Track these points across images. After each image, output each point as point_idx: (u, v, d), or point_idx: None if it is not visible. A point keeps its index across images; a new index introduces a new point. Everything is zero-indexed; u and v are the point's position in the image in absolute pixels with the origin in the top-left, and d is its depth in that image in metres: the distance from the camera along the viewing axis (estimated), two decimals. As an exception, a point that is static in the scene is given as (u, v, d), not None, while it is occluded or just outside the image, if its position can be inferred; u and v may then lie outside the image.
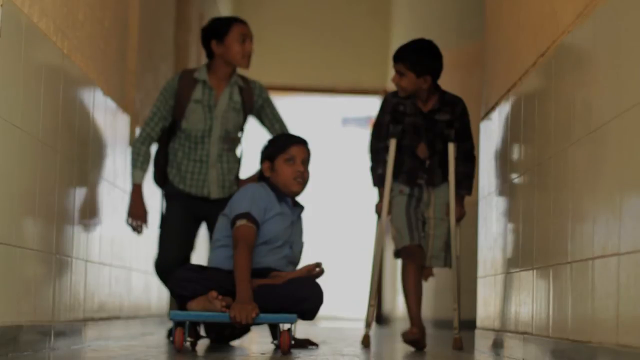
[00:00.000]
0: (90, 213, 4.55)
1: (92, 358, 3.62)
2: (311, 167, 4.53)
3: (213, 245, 4.46)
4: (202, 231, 5.21)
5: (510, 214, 4.27)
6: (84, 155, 4.39)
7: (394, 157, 4.77)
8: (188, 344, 4.11)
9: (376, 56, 10.90)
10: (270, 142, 4.57)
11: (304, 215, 4.60)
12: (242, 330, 4.69)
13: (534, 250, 3.76)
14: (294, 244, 4.48)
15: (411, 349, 4.72)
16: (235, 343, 4.86)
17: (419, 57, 4.66)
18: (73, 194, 4.23)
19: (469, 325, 5.30)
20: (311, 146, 4.56)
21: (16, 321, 3.42)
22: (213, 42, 4.96)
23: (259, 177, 4.57)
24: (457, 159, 4.78)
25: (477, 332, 4.94)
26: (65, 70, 4.00)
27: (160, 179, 5.06)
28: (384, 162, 4.79)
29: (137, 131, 5.09)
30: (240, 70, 5.10)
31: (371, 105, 10.91)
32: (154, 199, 5.48)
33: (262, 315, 4.02)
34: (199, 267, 4.32)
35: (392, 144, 4.76)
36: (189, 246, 5.03)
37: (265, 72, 8.93)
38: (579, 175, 3.17)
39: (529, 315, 3.78)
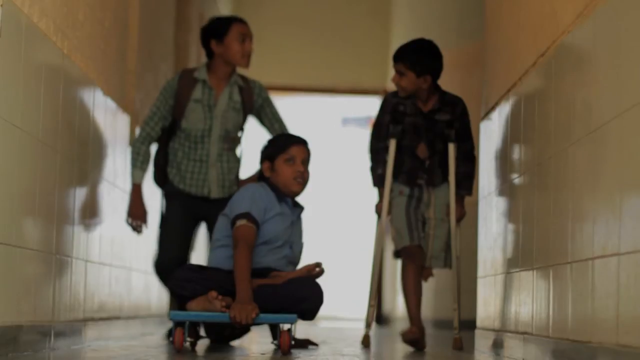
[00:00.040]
0: (90, 213, 4.55)
1: (92, 358, 3.62)
2: (311, 167, 4.53)
3: (213, 245, 4.46)
4: (201, 231, 5.20)
5: (510, 214, 4.27)
6: (84, 155, 4.39)
7: (393, 157, 4.77)
8: (188, 344, 4.11)
9: (376, 56, 10.90)
10: (270, 142, 4.57)
11: (304, 216, 4.60)
12: (242, 330, 4.69)
13: (534, 250, 3.76)
14: (294, 244, 4.48)
15: (411, 349, 4.71)
16: (235, 343, 4.86)
17: (419, 57, 4.66)
18: (73, 194, 4.23)
19: (469, 325, 5.30)
20: (311, 146, 4.56)
21: (16, 321, 3.42)
22: (213, 42, 4.96)
23: (259, 177, 4.57)
24: (457, 159, 4.78)
25: (477, 332, 4.94)
26: (65, 70, 4.00)
27: (160, 179, 5.06)
28: (384, 162, 4.79)
29: (137, 131, 5.08)
30: (240, 70, 5.10)
31: (371, 105, 10.90)
32: (153, 199, 5.48)
33: (262, 315, 4.02)
34: (199, 267, 4.32)
35: (392, 144, 4.76)
36: (189, 246, 5.02)
37: (265, 72, 8.93)
38: (579, 175, 3.17)
39: (529, 315, 3.78)
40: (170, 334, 4.98)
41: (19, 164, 3.45)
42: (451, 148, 4.76)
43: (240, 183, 5.01)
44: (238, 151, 5.08)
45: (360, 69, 11.00)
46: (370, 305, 4.90)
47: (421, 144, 4.77)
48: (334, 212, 12.55)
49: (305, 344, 4.54)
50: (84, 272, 4.45)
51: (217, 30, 4.96)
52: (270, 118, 5.11)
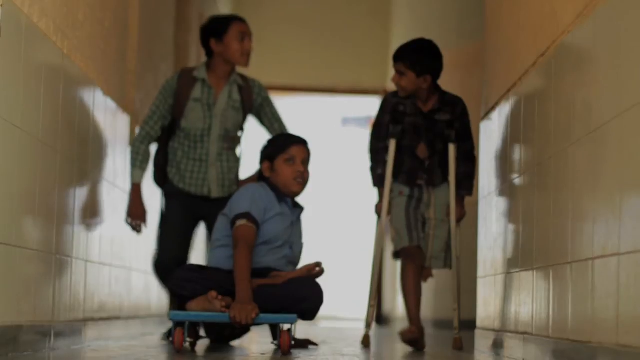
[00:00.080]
0: (90, 213, 4.55)
1: (92, 358, 3.62)
2: (311, 167, 4.53)
3: (213, 245, 4.46)
4: (200, 231, 5.20)
5: (510, 214, 4.27)
6: (84, 155, 4.39)
7: (393, 158, 4.76)
8: (188, 344, 4.11)
9: (376, 56, 10.90)
10: (269, 142, 4.57)
11: (304, 216, 4.59)
12: (242, 330, 4.69)
13: (534, 250, 3.76)
14: (294, 244, 4.48)
15: (411, 349, 4.71)
16: (235, 343, 4.86)
17: (419, 57, 4.66)
18: (73, 194, 4.23)
19: (469, 325, 5.30)
20: (311, 146, 4.56)
21: (16, 321, 3.42)
22: (212, 41, 4.96)
23: (259, 177, 4.57)
24: (457, 159, 4.78)
25: (477, 332, 4.94)
26: (65, 70, 4.00)
27: (160, 179, 5.05)
28: (384, 162, 4.79)
29: (137, 131, 5.08)
30: (240, 69, 5.09)
31: (371, 105, 10.90)
32: (153, 199, 5.47)
33: (262, 315, 4.02)
34: (199, 267, 4.32)
35: (392, 144, 4.76)
36: (188, 246, 5.02)
37: (265, 72, 8.93)
38: (579, 175, 3.17)
39: (529, 316, 3.78)
40: (168, 334, 4.98)
41: (19, 164, 3.45)
42: (451, 149, 4.76)
43: (240, 183, 5.01)
44: (238, 151, 5.08)
45: (360, 69, 11.00)
46: (370, 306, 4.90)
47: (421, 144, 4.77)
48: (334, 212, 12.54)
49: (305, 344, 4.54)
50: (84, 272, 4.45)
51: (216, 29, 4.95)
52: (270, 118, 5.11)
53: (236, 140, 5.04)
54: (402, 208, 4.76)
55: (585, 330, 3.02)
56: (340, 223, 12.57)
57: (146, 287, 6.06)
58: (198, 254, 6.52)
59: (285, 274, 4.31)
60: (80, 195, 4.35)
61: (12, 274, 3.38)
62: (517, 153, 4.19)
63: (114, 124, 5.04)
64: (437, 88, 4.77)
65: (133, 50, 5.66)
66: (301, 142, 4.51)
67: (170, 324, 5.33)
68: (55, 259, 3.94)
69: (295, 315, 4.06)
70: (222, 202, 4.79)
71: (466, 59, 7.62)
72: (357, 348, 4.67)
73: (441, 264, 4.80)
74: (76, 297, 4.32)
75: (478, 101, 5.23)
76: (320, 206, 11.37)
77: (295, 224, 4.51)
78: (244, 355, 4.01)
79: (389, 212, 4.81)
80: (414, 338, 4.63)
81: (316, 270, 4.30)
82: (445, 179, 4.82)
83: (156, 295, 6.40)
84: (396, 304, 9.88)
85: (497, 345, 4.36)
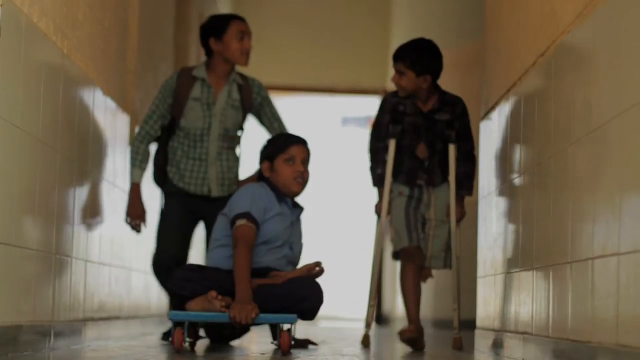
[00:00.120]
0: (90, 213, 4.55)
1: (92, 358, 3.62)
2: (311, 167, 4.53)
3: (212, 245, 4.45)
4: (200, 231, 5.20)
5: (510, 214, 4.27)
6: (84, 155, 4.39)
7: (393, 158, 4.76)
8: (187, 344, 4.11)
9: (376, 56, 10.90)
10: (269, 142, 4.56)
11: (304, 216, 4.59)
12: (242, 330, 4.69)
13: (534, 250, 3.76)
14: (294, 244, 4.48)
15: (411, 349, 4.71)
16: (235, 343, 4.86)
17: (419, 56, 4.66)
18: (73, 194, 4.23)
19: (469, 325, 5.30)
20: (311, 146, 4.55)
21: (16, 321, 3.42)
22: (212, 40, 4.96)
23: (259, 177, 4.57)
24: (457, 159, 4.78)
25: (477, 332, 4.94)
26: (65, 70, 4.00)
27: (161, 179, 5.05)
28: (384, 162, 4.79)
29: (137, 131, 5.08)
30: (240, 69, 5.09)
31: (371, 105, 10.90)
32: (153, 199, 5.47)
33: (262, 315, 4.01)
34: (199, 267, 4.31)
35: (392, 144, 4.76)
36: (188, 245, 5.01)
37: (265, 72, 8.92)
38: (579, 175, 3.17)
39: (529, 316, 3.78)
40: (167, 335, 4.98)
41: (19, 164, 3.45)
42: (451, 149, 4.76)
43: (240, 183, 5.00)
44: (238, 151, 5.07)
45: (360, 69, 11.00)
46: (370, 306, 4.90)
47: (421, 144, 4.77)
48: (334, 212, 12.54)
49: (305, 344, 4.54)
50: (84, 272, 4.45)
51: (216, 28, 4.95)
52: (269, 117, 5.10)
53: (236, 140, 5.04)
54: (402, 209, 4.75)
55: (585, 330, 3.02)
56: (340, 223, 12.57)
57: (146, 287, 6.06)
58: (198, 254, 6.52)
59: (285, 274, 4.31)
60: (80, 195, 4.35)
61: (12, 274, 3.38)
62: (517, 153, 4.19)
63: (114, 124, 5.04)
64: (437, 88, 4.77)
65: (133, 50, 5.66)
66: (301, 142, 4.50)
67: (170, 324, 5.33)
68: (55, 259, 3.94)
69: (295, 315, 4.06)
70: (222, 201, 4.79)
71: (466, 59, 7.62)
72: (357, 348, 4.67)
73: (441, 264, 4.80)
74: (76, 297, 4.32)
75: (478, 101, 5.23)
76: (320, 206, 11.37)
77: (295, 224, 4.50)
78: (244, 355, 4.01)
79: (389, 213, 4.81)
80: (413, 338, 4.63)
81: (316, 270, 4.30)
82: (445, 179, 4.81)
83: (156, 295, 6.40)
84: (396, 304, 9.88)
85: (497, 346, 4.36)
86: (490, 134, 4.78)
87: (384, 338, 6.64)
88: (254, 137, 5.42)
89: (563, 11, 3.44)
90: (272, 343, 4.32)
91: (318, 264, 4.31)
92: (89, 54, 4.44)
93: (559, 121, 3.45)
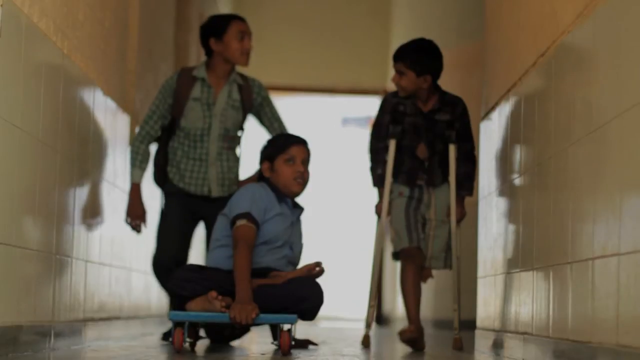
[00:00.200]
0: (90, 213, 4.55)
1: (92, 358, 3.62)
2: (311, 168, 4.53)
3: (212, 245, 4.45)
4: (200, 230, 5.20)
5: (510, 214, 4.27)
6: (84, 155, 4.39)
7: (393, 158, 4.76)
8: (187, 344, 4.10)
9: (376, 56, 10.90)
10: (269, 142, 4.56)
11: (304, 216, 4.59)
12: (242, 330, 4.69)
13: (534, 250, 3.76)
14: (294, 244, 4.48)
15: (411, 349, 4.71)
16: (235, 343, 4.86)
17: (419, 56, 4.66)
18: (73, 194, 4.23)
19: (469, 325, 5.30)
20: (311, 146, 4.55)
21: (16, 321, 3.42)
22: (212, 40, 4.96)
23: (259, 177, 4.57)
24: (457, 159, 4.78)
25: (477, 332, 4.94)
26: (65, 70, 4.00)
27: (161, 179, 5.05)
28: (384, 163, 4.79)
29: (137, 130, 5.08)
30: (240, 68, 5.09)
31: (371, 105, 10.90)
32: (153, 199, 5.47)
33: (262, 315, 4.01)
34: (199, 267, 4.31)
35: (392, 144, 4.76)
36: (187, 245, 5.01)
37: (265, 72, 8.92)
38: (579, 175, 3.17)
39: (529, 316, 3.78)
40: (166, 336, 4.98)
41: (19, 164, 3.45)
42: (451, 149, 4.76)
43: (240, 183, 5.00)
44: (238, 151, 5.07)
45: (360, 69, 11.00)
46: (370, 306, 4.90)
47: (421, 144, 4.77)
48: (334, 212, 12.54)
49: (305, 344, 4.54)
50: (84, 272, 4.45)
51: (216, 28, 4.95)
52: (269, 117, 5.10)
53: (236, 140, 5.04)
54: (402, 209, 4.75)
55: (585, 330, 3.02)
56: (340, 223, 12.57)
57: (146, 287, 6.06)
58: (198, 254, 6.52)
59: (285, 273, 4.31)
60: (80, 195, 4.35)
61: (12, 274, 3.38)
62: (517, 153, 4.19)
63: (114, 124, 5.04)
64: (437, 88, 4.77)
65: (133, 50, 5.66)
66: (301, 142, 4.50)
67: (170, 324, 5.33)
68: (55, 259, 3.94)
69: (295, 315, 4.06)
70: (222, 201, 4.79)
71: (466, 59, 7.62)
72: (357, 348, 4.67)
73: (441, 264, 4.80)
74: (76, 297, 4.32)
75: (478, 101, 5.23)
76: (320, 206, 11.37)
77: (295, 224, 4.50)
78: (244, 355, 4.01)
79: (389, 213, 4.81)
80: (413, 338, 4.63)
81: (316, 270, 4.30)
82: (445, 179, 4.81)
83: (156, 295, 6.40)
84: (396, 304, 9.88)
85: (497, 346, 4.36)
86: (490, 134, 4.78)
87: (384, 338, 6.64)
88: (254, 137, 5.42)
89: (563, 11, 3.44)
90: (272, 343, 4.32)
91: (318, 264, 4.31)
92: (89, 54, 4.44)
93: (559, 121, 3.45)
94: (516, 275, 4.07)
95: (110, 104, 4.94)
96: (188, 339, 4.07)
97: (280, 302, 4.14)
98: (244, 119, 5.05)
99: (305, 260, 4.49)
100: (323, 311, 4.42)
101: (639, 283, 2.54)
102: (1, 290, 3.27)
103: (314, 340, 4.72)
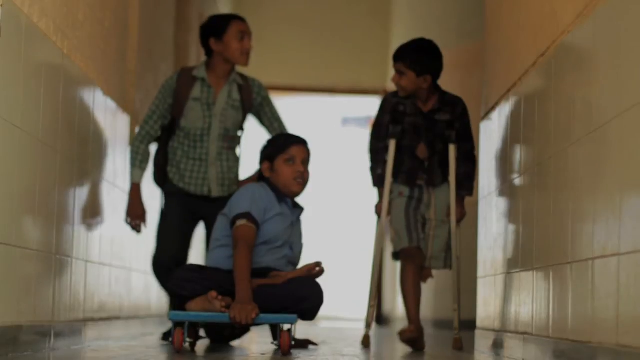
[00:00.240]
0: (90, 213, 4.55)
1: (92, 358, 3.62)
2: (311, 168, 4.53)
3: (212, 245, 4.45)
4: (200, 230, 5.20)
5: (510, 214, 4.27)
6: (84, 155, 4.39)
7: (393, 158, 4.76)
8: (187, 344, 4.10)
9: (376, 56, 10.90)
10: (269, 142, 4.56)
11: (304, 216, 4.59)
12: (242, 330, 4.69)
13: (534, 250, 3.76)
14: (294, 244, 4.48)
15: (411, 349, 4.71)
16: (235, 343, 4.86)
17: (419, 56, 4.66)
18: (73, 194, 4.23)
19: (469, 325, 5.30)
20: (311, 146, 4.55)
21: (16, 321, 3.42)
22: (212, 40, 4.96)
23: (259, 177, 4.57)
24: (457, 159, 4.78)
25: (477, 332, 4.94)
26: (65, 70, 4.00)
27: (161, 179, 5.05)
28: (384, 163, 4.79)
29: (137, 130, 5.08)
30: (240, 68, 5.09)
31: (371, 105, 10.90)
32: (153, 199, 5.47)
33: (262, 315, 4.01)
34: (199, 267, 4.31)
35: (392, 144, 4.76)
36: (187, 245, 5.01)
37: (265, 72, 8.92)
38: (579, 175, 3.17)
39: (529, 316, 3.78)
40: (166, 336, 4.98)
41: (19, 164, 3.45)
42: (451, 149, 4.76)
43: (240, 183, 5.00)
44: (238, 151, 5.07)
45: (360, 69, 11.00)
46: (370, 306, 4.90)
47: (421, 144, 4.77)
48: (334, 212, 12.54)
49: (305, 344, 4.54)
50: (84, 272, 4.45)
51: (216, 28, 4.95)
52: (269, 117, 5.10)
53: (236, 140, 5.04)
54: (402, 209, 4.75)
55: (585, 330, 3.02)
56: (340, 223, 12.57)
57: (146, 287, 6.06)
58: (198, 254, 6.52)
59: (285, 273, 4.31)
60: (80, 195, 4.35)
61: (12, 274, 3.38)
62: (517, 153, 4.19)
63: (114, 124, 5.04)
64: (437, 88, 4.77)
65: (133, 50, 5.66)
66: (301, 142, 4.50)
67: (170, 324, 5.33)
68: (55, 259, 3.94)
69: (295, 315, 4.06)
70: (222, 201, 4.79)
71: (466, 59, 7.62)
72: (357, 348, 4.67)
73: (441, 264, 4.80)
74: (76, 297, 4.32)
75: (478, 101, 5.23)
76: (320, 206, 11.37)
77: (295, 224, 4.50)
78: (244, 355, 4.01)
79: (389, 213, 4.81)
80: (413, 337, 4.63)
81: (316, 270, 4.30)
82: (445, 179, 4.81)
83: (156, 295, 6.40)
84: (396, 304, 9.88)
85: (497, 346, 4.36)
86: (490, 134, 4.78)
87: (384, 338, 6.64)
88: (254, 137, 5.42)
89: (563, 11, 3.44)
90: (272, 343, 4.32)
91: (318, 264, 4.31)
92: (89, 54, 4.44)
93: (559, 121, 3.45)
94: (516, 275, 4.07)
95: (110, 104, 4.94)
96: (188, 339, 4.07)
97: (280, 302, 4.14)
98: (244, 119, 5.05)
99: (305, 260, 4.49)
100: (323, 311, 4.42)
101: (639, 283, 2.54)
102: (1, 290, 3.27)
103: (314, 340, 4.72)
